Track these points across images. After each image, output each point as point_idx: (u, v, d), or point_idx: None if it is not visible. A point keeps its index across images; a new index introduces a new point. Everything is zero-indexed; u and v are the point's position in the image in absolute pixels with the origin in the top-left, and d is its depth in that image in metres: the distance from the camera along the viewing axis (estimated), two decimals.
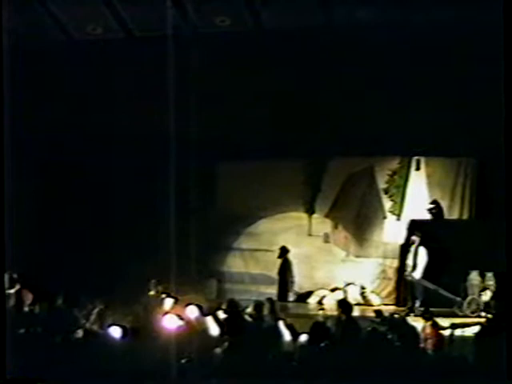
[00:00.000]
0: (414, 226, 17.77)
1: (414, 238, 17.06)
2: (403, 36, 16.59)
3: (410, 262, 16.88)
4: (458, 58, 16.51)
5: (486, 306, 15.86)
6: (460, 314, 15.81)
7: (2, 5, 8.20)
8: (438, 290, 16.58)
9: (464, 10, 15.73)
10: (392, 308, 16.68)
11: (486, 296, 16.11)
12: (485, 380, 8.98)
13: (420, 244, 16.82)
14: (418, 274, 16.69)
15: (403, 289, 17.57)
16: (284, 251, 17.64)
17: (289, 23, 17.24)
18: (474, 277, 16.47)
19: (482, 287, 16.29)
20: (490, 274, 16.23)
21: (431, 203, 18.26)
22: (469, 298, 16.26)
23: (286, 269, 17.46)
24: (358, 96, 17.59)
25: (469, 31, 15.67)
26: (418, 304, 16.41)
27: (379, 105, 17.58)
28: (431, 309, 15.61)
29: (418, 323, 12.30)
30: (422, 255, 16.71)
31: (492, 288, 16.11)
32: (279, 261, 18.96)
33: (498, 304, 15.49)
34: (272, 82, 17.66)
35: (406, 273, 16.95)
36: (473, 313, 15.79)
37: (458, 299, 16.32)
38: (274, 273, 19.02)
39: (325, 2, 16.94)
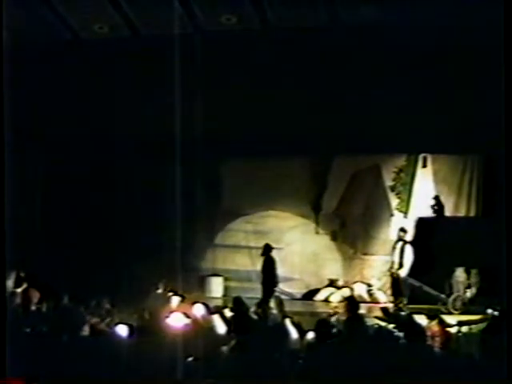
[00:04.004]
0: (421, 224, 17.77)
1: (400, 234, 17.02)
2: (407, 35, 16.59)
3: (396, 259, 16.83)
4: (462, 55, 16.49)
5: (471, 303, 15.87)
6: (445, 310, 15.78)
7: (2, 4, 8.19)
8: (423, 287, 16.61)
9: (465, 9, 15.72)
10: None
11: (471, 292, 16.14)
12: (485, 379, 8.97)
13: (406, 241, 16.81)
14: (404, 272, 16.67)
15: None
16: (267, 249, 17.51)
17: (294, 21, 17.24)
18: (460, 274, 16.46)
19: (467, 284, 16.29)
20: (474, 271, 16.28)
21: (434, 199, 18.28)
22: (454, 295, 16.24)
23: (269, 266, 17.39)
24: (364, 94, 17.57)
25: (471, 29, 15.66)
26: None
27: (385, 102, 17.57)
28: (416, 306, 15.83)
29: (423, 321, 12.27)
30: (409, 253, 16.69)
31: (477, 285, 16.14)
32: (284, 257, 19.07)
33: (482, 300, 15.49)
34: (278, 79, 17.67)
35: (393, 270, 16.90)
36: (457, 310, 15.75)
37: (443, 296, 16.31)
38: (281, 271, 18.98)
39: (330, 0, 16.94)
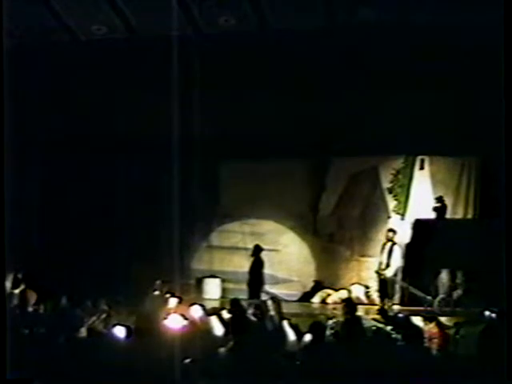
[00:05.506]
0: (419, 226, 17.77)
1: (389, 235, 17.02)
2: (406, 36, 16.62)
3: (384, 259, 16.85)
4: (462, 57, 16.51)
5: (457, 305, 15.89)
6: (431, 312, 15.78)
7: (2, 4, 8.17)
8: (409, 288, 16.66)
9: (465, 8, 15.75)
10: (396, 307, 16.65)
11: (457, 294, 16.19)
12: (485, 380, 8.97)
13: (395, 242, 16.83)
14: (390, 272, 16.69)
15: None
16: (258, 250, 17.70)
17: (293, 23, 17.26)
18: (445, 275, 16.49)
19: (452, 286, 16.32)
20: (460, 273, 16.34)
21: (436, 199, 18.25)
22: (439, 296, 16.26)
23: (257, 267, 17.53)
24: (362, 95, 17.61)
25: (471, 31, 15.68)
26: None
27: (383, 104, 17.61)
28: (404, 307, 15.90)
29: (421, 322, 12.30)
30: (397, 253, 16.70)
31: (462, 286, 16.19)
32: (281, 259, 19.12)
33: (468, 302, 15.51)
34: (276, 81, 17.69)
35: (380, 271, 16.92)
36: (443, 311, 15.74)
37: (429, 298, 16.33)
38: (278, 272, 19.05)
39: (329, 1, 16.97)
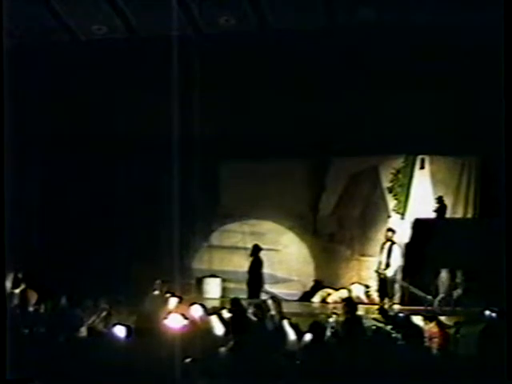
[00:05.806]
0: (419, 225, 17.78)
1: (388, 235, 17.06)
2: (406, 36, 16.64)
3: (383, 259, 16.88)
4: (463, 57, 16.52)
5: (457, 304, 15.90)
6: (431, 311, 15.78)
7: (2, 4, 8.19)
8: (409, 287, 16.67)
9: (465, 8, 15.76)
10: (396, 307, 16.66)
11: (457, 294, 16.20)
12: (485, 380, 8.98)
13: (394, 242, 16.86)
14: (390, 272, 16.72)
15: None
16: (256, 249, 17.83)
17: (293, 23, 17.28)
18: (445, 275, 16.50)
19: (453, 285, 16.34)
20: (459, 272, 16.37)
21: (436, 199, 18.25)
22: (439, 296, 16.28)
23: (256, 267, 17.62)
24: (362, 95, 17.62)
25: (471, 31, 15.68)
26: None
27: (383, 103, 17.62)
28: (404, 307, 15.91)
29: (421, 322, 12.30)
30: (396, 253, 16.73)
31: (462, 285, 16.20)
32: (281, 258, 19.13)
33: (468, 302, 15.52)
34: (276, 81, 17.70)
35: (379, 270, 16.95)
36: (443, 311, 15.75)
37: (429, 297, 16.35)
38: (278, 272, 19.05)
39: (329, 1, 16.98)
